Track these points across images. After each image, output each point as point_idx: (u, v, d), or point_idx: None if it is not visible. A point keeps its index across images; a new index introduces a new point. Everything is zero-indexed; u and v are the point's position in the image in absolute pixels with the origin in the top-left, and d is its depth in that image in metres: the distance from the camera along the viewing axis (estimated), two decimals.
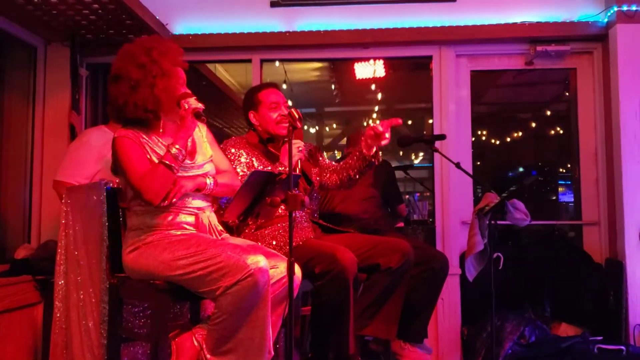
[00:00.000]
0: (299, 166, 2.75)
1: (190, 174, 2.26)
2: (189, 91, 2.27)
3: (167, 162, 2.11)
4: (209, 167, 2.36)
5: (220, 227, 2.34)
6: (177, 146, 2.14)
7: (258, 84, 3.10)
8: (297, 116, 2.23)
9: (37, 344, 3.21)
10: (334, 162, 3.02)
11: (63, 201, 2.76)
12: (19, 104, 3.87)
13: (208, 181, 2.27)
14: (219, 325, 2.03)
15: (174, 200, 2.17)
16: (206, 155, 2.39)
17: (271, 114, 2.79)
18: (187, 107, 2.18)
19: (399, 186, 3.83)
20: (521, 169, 5.93)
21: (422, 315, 3.06)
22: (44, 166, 3.88)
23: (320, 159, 3.01)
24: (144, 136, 2.25)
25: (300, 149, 2.67)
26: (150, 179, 2.11)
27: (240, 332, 2.03)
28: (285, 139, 2.77)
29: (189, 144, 2.31)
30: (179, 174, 2.20)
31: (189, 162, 2.28)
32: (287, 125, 2.72)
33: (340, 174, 2.84)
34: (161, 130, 2.28)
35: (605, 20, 3.77)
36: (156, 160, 2.18)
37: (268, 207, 2.21)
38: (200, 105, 2.19)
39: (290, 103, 3.05)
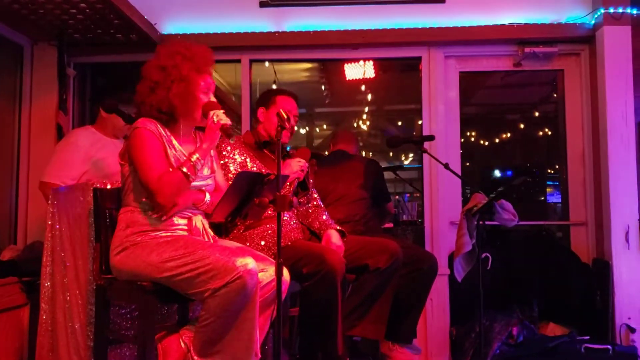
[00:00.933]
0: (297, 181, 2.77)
1: (196, 183, 2.26)
2: (215, 101, 2.26)
3: (185, 169, 2.11)
4: (210, 182, 2.37)
5: (212, 233, 2.33)
6: (197, 155, 2.14)
7: (282, 88, 3.15)
8: (285, 117, 2.23)
9: (23, 347, 3.17)
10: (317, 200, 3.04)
11: (49, 202, 2.73)
12: (5, 103, 3.84)
13: (206, 198, 2.28)
14: (206, 327, 2.02)
15: (168, 216, 2.19)
16: (210, 169, 2.39)
17: (277, 119, 2.78)
18: (216, 120, 2.18)
19: (389, 187, 3.84)
20: (509, 172, 5.97)
21: (411, 315, 3.07)
22: (30, 167, 3.85)
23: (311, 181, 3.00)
24: (166, 132, 2.24)
25: (302, 168, 2.69)
26: (167, 183, 2.09)
27: (227, 334, 2.02)
28: (290, 154, 2.80)
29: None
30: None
31: (199, 172, 2.27)
32: (288, 135, 2.76)
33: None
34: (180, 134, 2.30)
35: (593, 22, 3.80)
36: (172, 159, 2.18)
37: (256, 208, 2.20)
38: (229, 121, 2.19)
39: None
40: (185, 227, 2.25)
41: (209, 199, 2.29)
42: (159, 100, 2.20)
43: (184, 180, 2.12)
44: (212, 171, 2.40)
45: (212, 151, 2.40)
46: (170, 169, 2.15)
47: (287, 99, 2.88)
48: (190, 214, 2.27)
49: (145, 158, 2.14)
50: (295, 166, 2.69)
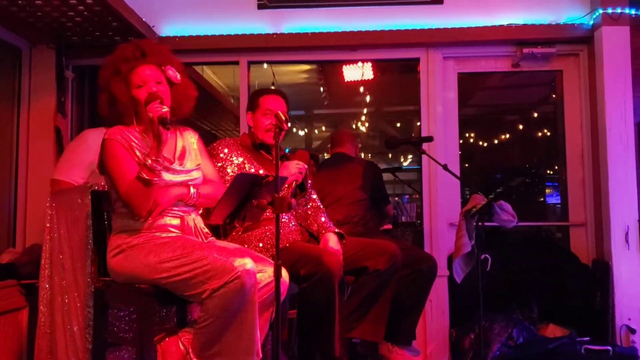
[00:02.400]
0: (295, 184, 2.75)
1: (178, 178, 2.25)
2: (153, 91, 2.20)
3: (143, 176, 2.09)
4: (197, 174, 2.34)
5: (206, 230, 2.33)
6: (152, 159, 2.10)
7: (266, 88, 3.12)
8: (283, 118, 2.23)
9: (22, 349, 3.16)
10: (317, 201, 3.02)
11: (48, 204, 2.74)
12: (4, 106, 3.83)
13: (191, 191, 2.26)
14: (205, 329, 2.01)
15: (153, 216, 2.18)
16: (195, 162, 2.37)
17: (264, 120, 2.78)
18: (151, 115, 2.13)
19: (388, 188, 3.84)
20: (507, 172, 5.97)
21: (410, 317, 3.06)
22: (29, 170, 3.84)
23: (309, 182, 2.99)
24: (134, 136, 2.24)
25: (301, 171, 2.67)
26: (132, 195, 2.11)
27: (226, 335, 2.01)
28: (288, 156, 2.79)
29: (179, 148, 2.31)
30: (169, 179, 2.20)
31: (178, 166, 2.27)
32: (273, 135, 2.74)
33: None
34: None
35: (591, 22, 3.80)
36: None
37: (255, 210, 2.20)
38: (164, 110, 2.13)
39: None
40: (178, 226, 2.24)
41: (195, 192, 2.26)
42: (101, 115, 2.31)
43: (145, 188, 2.09)
44: (197, 163, 2.37)
45: (195, 144, 2.40)
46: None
47: (270, 97, 2.83)
48: (182, 213, 2.26)
49: (114, 171, 2.17)
50: (294, 168, 2.68)
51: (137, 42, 2.34)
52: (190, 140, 2.41)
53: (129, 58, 2.28)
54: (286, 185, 2.62)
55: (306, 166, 2.73)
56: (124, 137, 2.22)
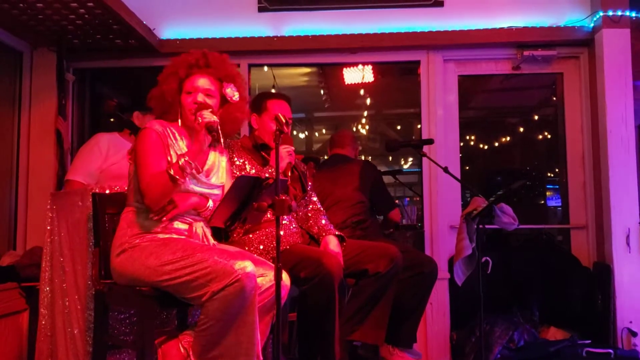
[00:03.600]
0: (292, 173, 2.74)
1: (200, 188, 2.27)
2: (203, 102, 2.26)
3: (171, 172, 2.09)
4: (217, 192, 2.35)
5: (212, 241, 2.32)
6: (186, 158, 2.12)
7: (271, 91, 3.11)
8: (283, 120, 2.23)
9: (23, 352, 3.17)
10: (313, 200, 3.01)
11: (48, 207, 2.74)
12: (5, 109, 3.84)
13: (209, 204, 2.28)
14: (205, 332, 2.01)
15: (167, 217, 2.18)
16: (219, 179, 2.38)
17: (271, 124, 2.77)
18: (200, 120, 2.18)
19: (389, 191, 3.82)
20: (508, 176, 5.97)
21: (411, 320, 3.06)
22: (29, 172, 3.85)
23: (309, 185, 2.98)
24: (174, 135, 2.27)
25: (289, 152, 2.66)
26: (154, 185, 2.12)
27: (227, 338, 2.01)
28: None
29: (209, 163, 2.33)
30: (191, 187, 2.22)
31: (204, 178, 2.28)
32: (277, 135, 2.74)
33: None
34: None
35: (591, 25, 3.81)
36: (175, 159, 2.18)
37: (255, 212, 2.20)
38: (213, 119, 2.18)
39: None
40: (186, 233, 2.25)
41: (212, 205, 2.28)
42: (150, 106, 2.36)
43: (169, 183, 2.10)
44: (222, 182, 2.39)
45: (224, 162, 2.43)
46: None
47: (278, 102, 2.85)
48: (191, 220, 2.27)
49: (143, 158, 2.18)
50: (283, 153, 2.66)
51: (206, 52, 2.38)
52: (221, 158, 2.43)
53: (192, 64, 2.33)
54: (281, 173, 2.60)
55: (293, 147, 2.71)
56: (164, 132, 2.25)
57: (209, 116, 2.18)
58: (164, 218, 2.18)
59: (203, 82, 2.31)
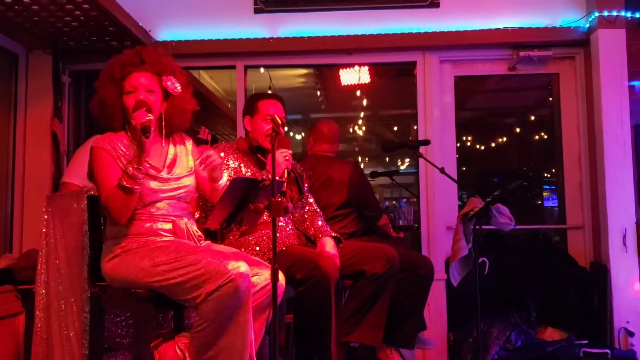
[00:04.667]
0: (288, 175, 2.72)
1: (168, 186, 2.25)
2: (141, 99, 2.20)
3: (124, 183, 2.08)
4: (188, 181, 2.34)
5: (199, 233, 2.32)
6: (134, 165, 2.10)
7: (262, 92, 3.08)
8: (279, 122, 2.23)
9: (19, 355, 3.15)
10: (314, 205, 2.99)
11: (44, 209, 2.73)
12: (0, 112, 3.82)
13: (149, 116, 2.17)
14: (200, 333, 2.01)
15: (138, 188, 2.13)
16: (186, 168, 2.36)
17: (264, 125, 2.77)
18: (133, 123, 2.13)
19: (386, 192, 3.80)
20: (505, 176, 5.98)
21: (409, 321, 3.05)
22: (25, 175, 3.83)
23: (306, 187, 2.97)
24: (122, 144, 2.25)
25: (287, 157, 2.65)
26: (112, 201, 2.11)
27: (221, 339, 2.01)
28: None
29: (170, 157, 2.31)
30: (156, 187, 2.21)
31: (166, 174, 2.27)
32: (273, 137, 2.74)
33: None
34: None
35: (587, 25, 3.82)
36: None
37: (251, 214, 2.19)
38: (148, 118, 2.12)
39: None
40: (170, 230, 2.24)
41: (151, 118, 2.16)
42: (92, 115, 2.31)
43: (126, 195, 2.09)
44: (188, 171, 2.36)
45: (189, 151, 2.39)
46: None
47: (270, 102, 2.83)
48: (174, 218, 2.26)
49: (98, 177, 2.19)
50: (280, 158, 2.65)
51: (140, 48, 2.35)
52: (180, 148, 2.40)
53: (126, 63, 2.28)
54: (278, 177, 2.60)
55: (290, 151, 2.69)
56: (112, 145, 2.22)
57: (141, 116, 2.12)
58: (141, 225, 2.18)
59: (143, 79, 2.26)
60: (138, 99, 2.20)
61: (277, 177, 2.55)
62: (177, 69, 2.39)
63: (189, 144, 2.45)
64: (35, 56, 3.88)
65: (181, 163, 2.36)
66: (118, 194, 2.09)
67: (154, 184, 2.20)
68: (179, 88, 2.32)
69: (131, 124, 2.18)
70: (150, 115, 2.13)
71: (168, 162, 2.31)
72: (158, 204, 2.23)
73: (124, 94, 2.25)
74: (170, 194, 2.26)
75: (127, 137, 2.28)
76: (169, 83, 2.30)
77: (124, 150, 2.24)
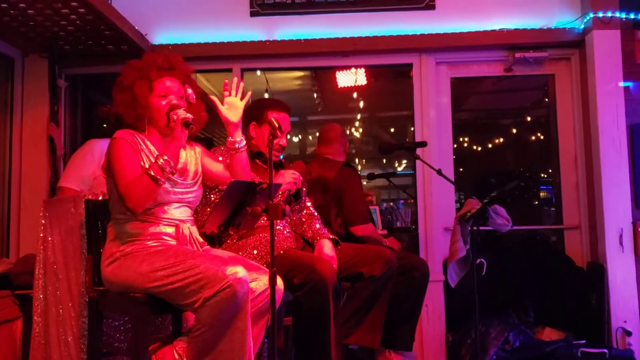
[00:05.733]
0: (289, 195, 2.74)
1: (176, 189, 2.25)
2: (176, 103, 2.26)
3: (152, 173, 2.09)
4: (196, 187, 2.36)
5: (201, 239, 2.32)
6: (165, 157, 2.12)
7: (273, 100, 3.06)
8: (277, 125, 2.22)
9: None
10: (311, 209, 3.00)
11: (41, 214, 2.72)
12: None
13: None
14: (198, 338, 2.00)
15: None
16: (195, 174, 2.38)
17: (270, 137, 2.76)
18: (175, 118, 2.18)
19: (383, 194, 3.80)
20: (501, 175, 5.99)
21: (407, 322, 3.06)
22: (22, 179, 3.83)
23: (304, 190, 2.97)
24: (143, 142, 2.26)
25: (295, 179, 2.66)
26: (134, 187, 2.09)
27: (220, 344, 2.00)
28: (282, 162, 2.79)
29: (182, 161, 2.32)
30: (167, 188, 2.20)
31: (179, 179, 2.27)
32: (279, 154, 2.76)
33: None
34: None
35: (582, 26, 3.83)
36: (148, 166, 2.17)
37: (249, 217, 2.19)
38: (189, 116, 2.19)
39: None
40: (173, 235, 2.24)
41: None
42: (115, 115, 2.29)
43: (151, 184, 2.10)
44: (196, 176, 2.37)
45: (199, 158, 2.41)
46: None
47: (279, 115, 2.80)
48: (177, 222, 2.26)
49: (118, 165, 2.16)
50: (289, 177, 2.68)
51: (167, 54, 2.37)
52: (190, 153, 2.41)
53: (160, 67, 2.31)
54: (280, 193, 2.62)
55: (301, 177, 2.73)
56: (133, 138, 2.23)
57: (183, 113, 2.19)
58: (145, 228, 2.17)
59: (174, 85, 2.31)
60: (172, 103, 2.25)
61: (280, 193, 2.58)
62: (193, 79, 2.45)
63: (198, 149, 2.46)
64: (31, 60, 3.87)
65: (191, 169, 2.37)
66: (140, 183, 2.09)
67: (167, 185, 2.21)
68: (194, 97, 2.36)
69: (160, 124, 2.25)
70: (189, 114, 2.20)
71: (180, 166, 2.31)
72: (166, 207, 2.23)
73: (155, 96, 2.27)
74: (180, 196, 2.27)
75: (148, 137, 2.29)
76: (189, 91, 2.34)
77: (144, 146, 2.25)
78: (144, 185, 2.09)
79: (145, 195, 2.11)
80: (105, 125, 3.64)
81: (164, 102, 2.26)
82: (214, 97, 2.42)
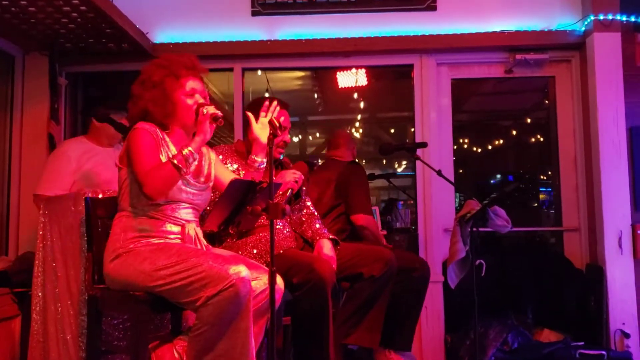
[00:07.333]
0: (290, 196, 2.74)
1: (188, 188, 2.26)
2: (204, 102, 2.29)
3: (175, 161, 2.10)
4: (207, 189, 2.37)
5: (205, 242, 2.32)
6: (190, 148, 2.14)
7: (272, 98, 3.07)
8: (277, 125, 2.23)
9: (15, 358, 3.14)
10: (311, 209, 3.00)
11: (41, 212, 2.72)
12: None
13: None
14: (200, 337, 2.00)
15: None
16: (207, 177, 2.39)
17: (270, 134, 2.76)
18: (205, 112, 2.20)
19: (383, 194, 3.81)
20: (499, 176, 6.00)
21: (406, 323, 3.05)
22: (22, 177, 3.83)
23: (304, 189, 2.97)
24: (163, 137, 2.27)
25: (296, 179, 2.66)
26: (156, 174, 2.10)
27: (221, 343, 2.00)
28: (283, 161, 2.78)
29: (195, 163, 2.31)
30: (180, 186, 2.21)
31: (192, 179, 2.28)
32: (282, 151, 2.76)
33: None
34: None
35: (583, 29, 3.83)
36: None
37: (249, 216, 2.19)
38: (219, 112, 2.22)
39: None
40: (178, 235, 2.24)
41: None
42: (140, 111, 2.28)
43: (174, 172, 2.11)
44: (208, 180, 2.38)
45: (213, 164, 2.42)
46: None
47: (281, 113, 2.82)
48: (183, 221, 2.26)
49: (139, 152, 2.16)
50: (290, 177, 2.67)
51: (190, 55, 2.39)
52: (208, 160, 2.43)
53: (188, 66, 2.33)
54: (280, 193, 2.61)
55: (302, 177, 2.73)
56: (155, 131, 2.24)
57: (212, 109, 2.22)
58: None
59: (199, 85, 2.34)
60: (198, 102, 2.28)
61: (280, 192, 2.58)
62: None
63: (213, 156, 2.47)
64: (32, 58, 3.87)
65: (205, 171, 2.38)
66: (162, 171, 2.10)
67: (180, 183, 2.21)
68: (207, 99, 2.37)
69: (186, 121, 2.28)
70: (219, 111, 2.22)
71: (193, 167, 2.31)
72: (174, 205, 2.23)
73: (181, 94, 2.29)
74: (191, 197, 2.27)
75: (168, 133, 2.30)
76: (205, 92, 2.37)
77: (164, 141, 2.26)
78: (166, 173, 2.10)
79: (166, 183, 2.11)
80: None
81: (190, 101, 2.28)
82: (249, 114, 2.48)
